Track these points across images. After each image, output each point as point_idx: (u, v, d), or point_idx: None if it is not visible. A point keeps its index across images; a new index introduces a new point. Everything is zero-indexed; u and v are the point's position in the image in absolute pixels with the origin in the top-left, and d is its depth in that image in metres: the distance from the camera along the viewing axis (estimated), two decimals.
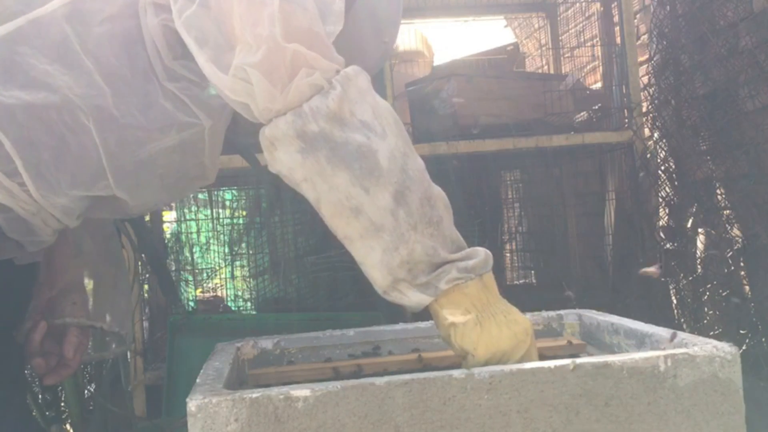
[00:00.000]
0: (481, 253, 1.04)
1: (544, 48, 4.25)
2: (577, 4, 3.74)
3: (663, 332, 1.14)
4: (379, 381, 0.94)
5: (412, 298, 1.03)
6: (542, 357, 1.16)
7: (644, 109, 3.14)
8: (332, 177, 1.00)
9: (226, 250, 3.42)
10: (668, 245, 2.98)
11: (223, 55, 1.03)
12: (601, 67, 3.41)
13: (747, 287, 2.72)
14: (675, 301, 2.93)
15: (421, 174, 1.02)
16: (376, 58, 1.36)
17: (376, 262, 1.01)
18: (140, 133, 1.14)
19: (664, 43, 3.06)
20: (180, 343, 2.45)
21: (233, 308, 3.50)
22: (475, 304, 1.03)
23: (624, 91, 2.99)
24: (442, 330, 1.05)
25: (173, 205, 3.45)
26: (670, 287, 2.93)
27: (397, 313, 2.07)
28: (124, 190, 1.19)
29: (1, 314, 1.25)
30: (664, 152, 3.05)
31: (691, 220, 2.97)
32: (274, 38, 1.00)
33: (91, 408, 2.53)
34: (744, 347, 2.52)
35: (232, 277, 3.46)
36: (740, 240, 2.72)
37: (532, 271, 3.74)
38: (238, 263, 3.45)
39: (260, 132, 1.04)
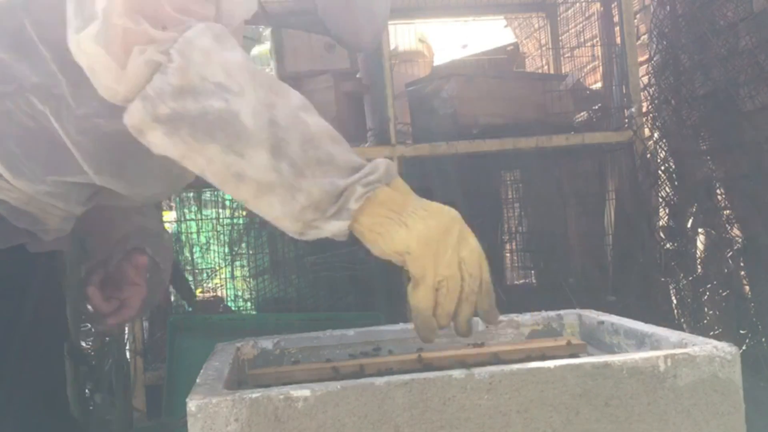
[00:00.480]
0: (382, 164, 1.01)
1: (544, 48, 4.25)
2: (577, 4, 3.74)
3: (663, 332, 1.14)
4: (379, 381, 0.94)
5: (331, 229, 1.00)
6: (543, 357, 1.16)
7: (644, 109, 3.14)
8: (203, 151, 0.97)
9: (226, 250, 3.42)
10: (668, 245, 2.98)
11: (75, 19, 0.99)
12: (601, 67, 3.41)
13: (747, 287, 2.72)
14: (675, 301, 2.93)
15: (294, 118, 0.98)
16: (370, 31, 1.34)
17: (279, 215, 0.99)
18: (100, 121, 1.12)
19: (664, 43, 3.06)
20: (180, 343, 2.45)
21: (233, 308, 3.51)
22: (393, 209, 1.00)
23: (624, 91, 2.99)
24: (374, 247, 1.01)
25: (173, 204, 3.46)
26: (670, 287, 2.93)
27: (397, 313, 2.07)
28: (107, 179, 1.17)
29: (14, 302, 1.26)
30: (664, 152, 3.05)
31: (691, 220, 2.97)
32: (107, 11, 0.95)
33: (91, 408, 2.54)
34: (744, 347, 2.53)
35: (232, 277, 3.46)
36: (740, 240, 2.72)
37: (532, 271, 3.74)
38: (238, 263, 3.45)
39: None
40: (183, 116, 0.96)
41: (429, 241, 0.99)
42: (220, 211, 3.38)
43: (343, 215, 0.98)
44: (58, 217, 1.19)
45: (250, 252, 3.30)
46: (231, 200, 3.46)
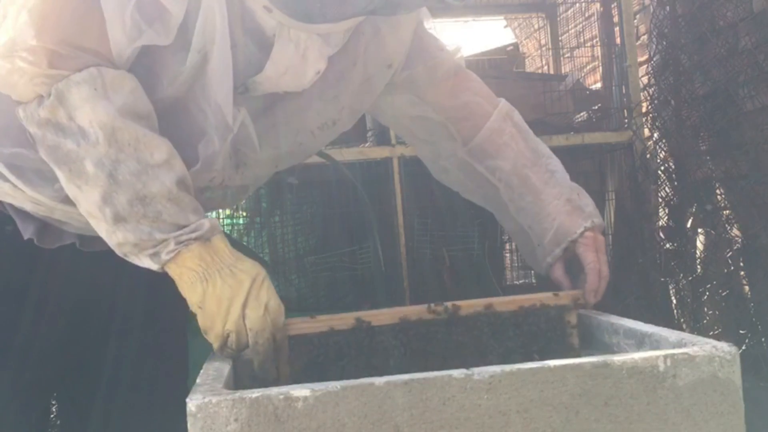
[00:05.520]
0: (205, 225, 1.13)
1: (544, 48, 4.25)
2: (577, 5, 3.74)
3: (663, 332, 1.14)
4: (379, 381, 0.94)
5: (145, 263, 1.13)
6: (535, 308, 1.24)
7: (644, 109, 3.15)
8: (55, 170, 1.13)
9: None
10: (668, 245, 2.98)
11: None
12: (601, 68, 3.41)
13: (747, 287, 2.72)
14: (675, 301, 2.93)
15: (135, 177, 1.11)
16: (379, 82, 1.39)
17: (104, 237, 1.15)
18: None
19: (664, 43, 3.06)
20: None
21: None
22: (201, 264, 1.12)
23: (624, 91, 2.99)
24: (181, 291, 1.14)
25: None
26: (670, 287, 2.93)
27: None
28: None
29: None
30: (663, 152, 3.05)
31: (690, 220, 2.97)
32: (14, 41, 1.08)
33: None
34: (744, 347, 2.53)
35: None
36: (740, 240, 2.72)
37: (532, 271, 3.74)
38: None
39: None
40: (41, 141, 1.12)
41: (221, 302, 1.12)
42: (220, 211, 3.38)
43: (156, 260, 1.12)
44: (83, 222, 1.23)
45: None
46: None
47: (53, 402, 1.55)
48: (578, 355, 1.27)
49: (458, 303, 1.26)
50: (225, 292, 1.12)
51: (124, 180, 1.10)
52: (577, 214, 1.39)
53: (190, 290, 1.13)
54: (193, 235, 1.11)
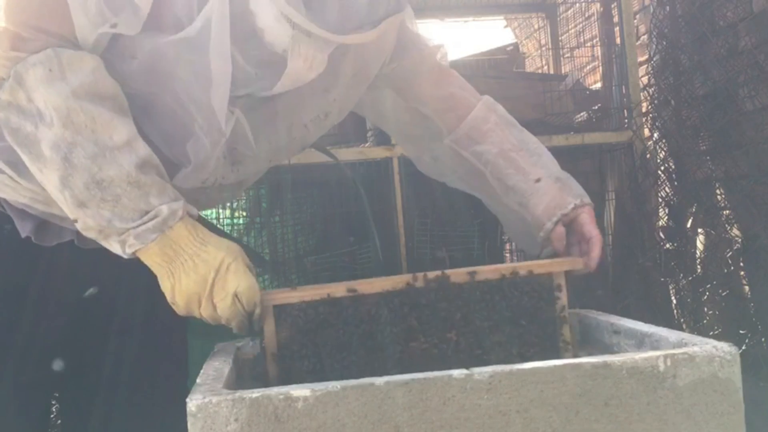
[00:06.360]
0: (163, 211, 1.12)
1: (544, 48, 4.25)
2: (577, 5, 3.74)
3: (663, 332, 1.14)
4: (379, 381, 0.94)
5: (115, 248, 1.14)
6: (514, 274, 1.24)
7: (644, 110, 3.14)
8: (19, 153, 1.13)
9: None
10: (668, 245, 2.98)
11: None
12: (601, 67, 3.41)
13: (747, 287, 2.72)
14: (675, 301, 2.93)
15: (91, 161, 1.10)
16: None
17: (71, 218, 1.14)
18: None
19: (664, 43, 3.06)
20: None
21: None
22: (165, 258, 1.12)
23: (624, 91, 2.99)
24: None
25: None
26: (670, 287, 2.93)
27: None
28: None
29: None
30: (663, 152, 3.05)
31: (690, 220, 2.97)
32: None
33: None
34: (744, 347, 2.53)
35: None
36: (740, 240, 2.72)
37: None
38: None
39: None
40: (6, 124, 1.12)
41: (189, 297, 1.14)
42: (221, 211, 3.38)
43: (123, 250, 1.13)
44: None
45: None
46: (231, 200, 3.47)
47: (54, 402, 1.55)
48: (565, 321, 1.27)
49: (446, 271, 1.25)
50: (190, 288, 1.13)
51: (80, 163, 1.10)
52: (566, 191, 1.40)
53: (162, 285, 1.15)
54: (151, 226, 1.11)
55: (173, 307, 1.16)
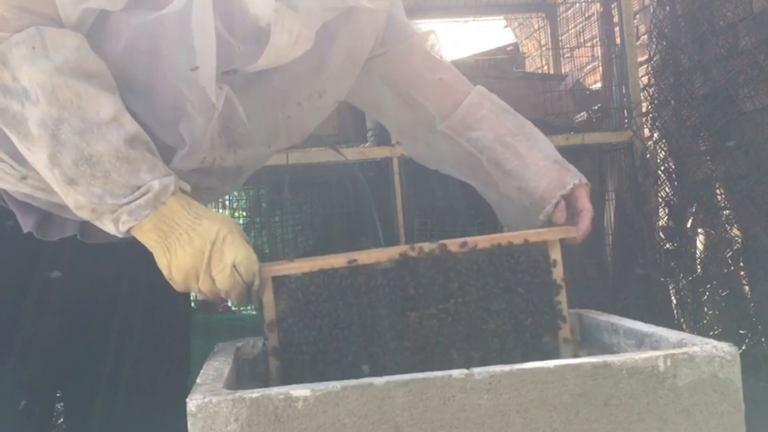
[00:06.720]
0: (154, 186, 1.11)
1: (544, 48, 4.25)
2: (577, 5, 3.74)
3: (663, 332, 1.14)
4: (379, 381, 0.94)
5: (109, 228, 1.13)
6: (510, 243, 1.24)
7: (644, 110, 3.15)
8: (8, 134, 1.13)
9: None
10: (668, 245, 2.98)
11: None
12: (601, 67, 3.41)
13: (747, 287, 2.72)
14: (675, 301, 2.93)
15: (78, 136, 1.09)
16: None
17: (64, 198, 1.14)
18: None
19: (664, 43, 3.06)
20: None
21: (233, 308, 3.50)
22: (160, 234, 1.12)
23: (624, 91, 2.99)
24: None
25: None
26: (670, 287, 2.93)
27: None
28: None
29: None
30: (663, 152, 3.05)
31: (690, 220, 2.97)
32: None
33: None
34: (744, 347, 2.53)
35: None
36: (740, 240, 2.72)
37: None
38: None
39: None
40: None
41: (187, 271, 1.12)
42: (221, 211, 3.38)
43: (116, 228, 1.12)
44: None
45: None
46: (231, 200, 3.47)
47: (58, 399, 1.54)
48: (561, 287, 1.27)
49: (444, 242, 1.25)
50: (187, 262, 1.12)
51: (67, 139, 1.09)
52: (565, 173, 1.40)
53: (158, 262, 1.13)
54: (143, 202, 1.10)
55: (171, 283, 1.15)
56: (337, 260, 1.21)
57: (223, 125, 1.24)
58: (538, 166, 1.40)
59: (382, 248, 1.26)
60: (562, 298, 1.27)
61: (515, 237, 1.27)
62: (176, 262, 1.12)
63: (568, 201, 1.39)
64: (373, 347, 1.20)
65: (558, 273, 1.27)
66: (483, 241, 1.26)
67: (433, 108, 1.48)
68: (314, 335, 1.20)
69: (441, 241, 1.24)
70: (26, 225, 1.26)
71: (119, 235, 1.13)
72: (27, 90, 1.09)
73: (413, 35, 1.47)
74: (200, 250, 1.11)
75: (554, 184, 1.38)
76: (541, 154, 1.42)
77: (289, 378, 1.18)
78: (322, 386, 0.93)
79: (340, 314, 1.20)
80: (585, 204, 1.38)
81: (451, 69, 1.52)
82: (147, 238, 1.12)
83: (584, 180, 1.41)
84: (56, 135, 1.09)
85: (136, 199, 1.10)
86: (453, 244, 1.24)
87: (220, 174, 1.31)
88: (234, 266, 1.12)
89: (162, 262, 1.13)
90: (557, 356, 1.24)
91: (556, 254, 1.27)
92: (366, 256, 1.22)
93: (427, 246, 1.24)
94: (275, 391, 0.93)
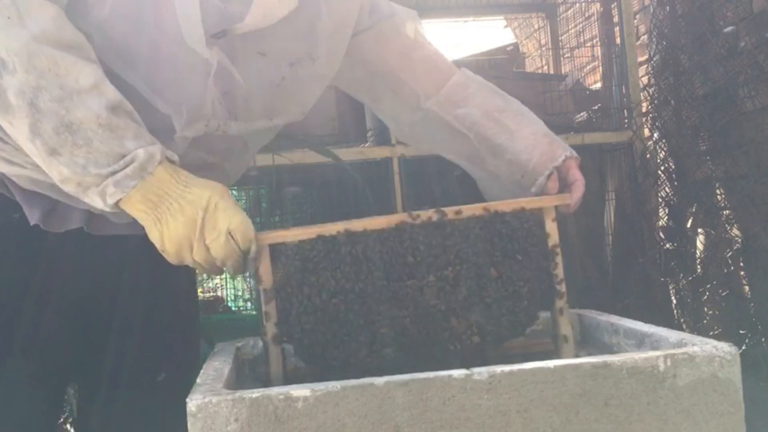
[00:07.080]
0: (140, 155, 1.08)
1: (544, 48, 4.26)
2: (577, 5, 3.74)
3: (663, 332, 1.14)
4: (379, 381, 0.94)
5: (97, 203, 1.10)
6: (497, 212, 1.24)
7: (644, 110, 3.15)
8: None
9: None
10: (668, 245, 2.98)
11: None
12: (601, 67, 3.41)
13: (747, 287, 2.72)
14: (675, 301, 2.93)
15: (57, 103, 1.07)
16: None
17: (49, 173, 1.11)
18: None
19: (664, 43, 3.06)
20: None
21: (233, 308, 3.50)
22: (149, 205, 1.09)
23: (624, 91, 2.99)
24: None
25: None
26: (670, 287, 2.93)
27: None
28: None
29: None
30: (663, 152, 3.05)
31: (690, 220, 2.97)
32: None
33: None
34: (744, 347, 2.53)
35: (233, 277, 3.46)
36: (740, 240, 2.72)
37: None
38: None
39: None
40: None
41: (180, 241, 1.10)
42: None
43: (104, 201, 1.09)
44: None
45: None
46: None
47: (68, 393, 1.53)
48: (557, 254, 1.26)
49: (442, 209, 1.24)
50: (179, 231, 1.09)
51: (47, 107, 1.07)
52: (556, 145, 1.40)
53: (149, 234, 1.11)
54: (129, 172, 1.07)
55: (164, 255, 1.12)
56: (336, 227, 1.20)
57: (221, 91, 1.22)
58: (529, 140, 1.40)
59: (379, 216, 1.24)
60: (559, 264, 1.27)
61: (512, 204, 1.26)
62: (168, 232, 1.09)
63: (560, 173, 1.39)
64: (371, 315, 1.19)
65: (554, 240, 1.27)
66: (479, 208, 1.25)
67: (418, 86, 1.47)
68: (313, 303, 1.18)
69: (439, 209, 1.23)
70: (32, 217, 1.24)
71: (108, 210, 1.10)
72: (4, 60, 1.07)
73: (395, 14, 1.47)
74: (192, 218, 1.09)
75: (546, 156, 1.38)
76: (531, 128, 1.42)
77: (285, 323, 1.18)
78: (322, 386, 0.93)
79: (338, 282, 1.19)
80: (577, 175, 1.38)
81: (436, 49, 1.51)
82: (136, 210, 1.09)
83: (574, 153, 1.41)
84: (35, 103, 1.07)
85: (122, 169, 1.08)
86: (450, 211, 1.24)
87: (226, 149, 1.29)
88: (229, 232, 1.10)
89: (154, 235, 1.10)
90: (556, 327, 1.26)
91: (551, 221, 1.27)
92: (365, 223, 1.21)
93: (425, 213, 1.23)
94: (275, 391, 0.93)
